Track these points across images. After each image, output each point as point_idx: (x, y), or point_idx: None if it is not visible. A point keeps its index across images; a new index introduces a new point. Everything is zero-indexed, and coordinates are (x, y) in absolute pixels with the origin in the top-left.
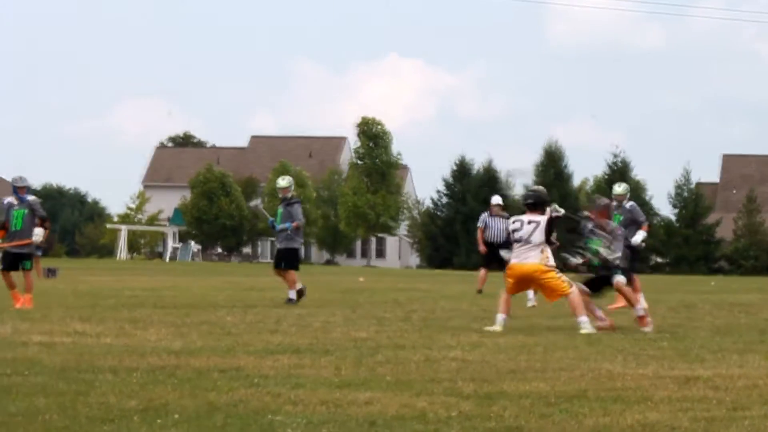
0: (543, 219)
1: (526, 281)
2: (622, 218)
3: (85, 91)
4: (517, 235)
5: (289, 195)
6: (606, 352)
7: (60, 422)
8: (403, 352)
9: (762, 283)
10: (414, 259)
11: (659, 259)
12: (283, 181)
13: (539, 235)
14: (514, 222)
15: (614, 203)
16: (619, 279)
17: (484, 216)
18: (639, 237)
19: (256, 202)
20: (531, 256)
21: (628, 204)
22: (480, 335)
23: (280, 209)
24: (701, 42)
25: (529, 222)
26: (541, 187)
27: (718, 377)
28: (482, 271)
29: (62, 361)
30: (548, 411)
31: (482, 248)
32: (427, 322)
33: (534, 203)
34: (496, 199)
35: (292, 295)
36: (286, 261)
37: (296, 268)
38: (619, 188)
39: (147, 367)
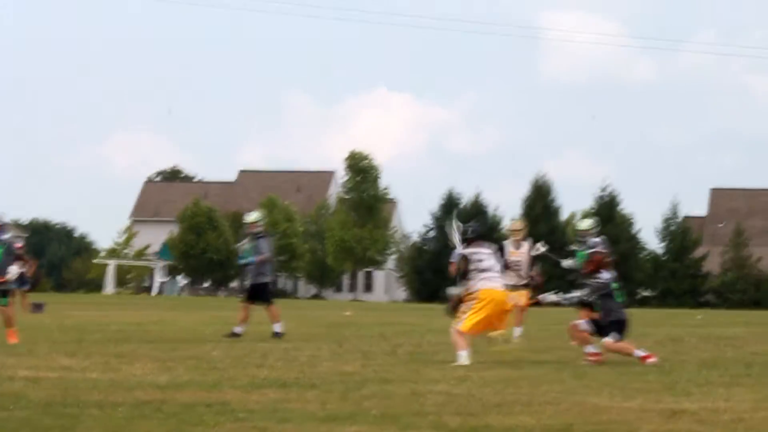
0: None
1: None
2: (585, 255)
3: (73, 126)
4: (483, 266)
5: (256, 230)
6: (592, 386)
7: None
8: (390, 386)
9: (749, 316)
10: (401, 293)
11: (646, 293)
12: (250, 217)
13: (497, 262)
14: (477, 254)
15: (578, 239)
16: (607, 341)
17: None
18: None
19: (243, 242)
20: (498, 281)
21: (592, 240)
22: (466, 369)
23: (248, 245)
24: (691, 76)
25: (489, 253)
26: (479, 223)
27: (704, 411)
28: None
29: (48, 395)
30: None
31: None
32: (414, 355)
33: (476, 237)
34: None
35: (278, 328)
36: (258, 296)
37: (270, 302)
38: (582, 224)
39: (133, 402)
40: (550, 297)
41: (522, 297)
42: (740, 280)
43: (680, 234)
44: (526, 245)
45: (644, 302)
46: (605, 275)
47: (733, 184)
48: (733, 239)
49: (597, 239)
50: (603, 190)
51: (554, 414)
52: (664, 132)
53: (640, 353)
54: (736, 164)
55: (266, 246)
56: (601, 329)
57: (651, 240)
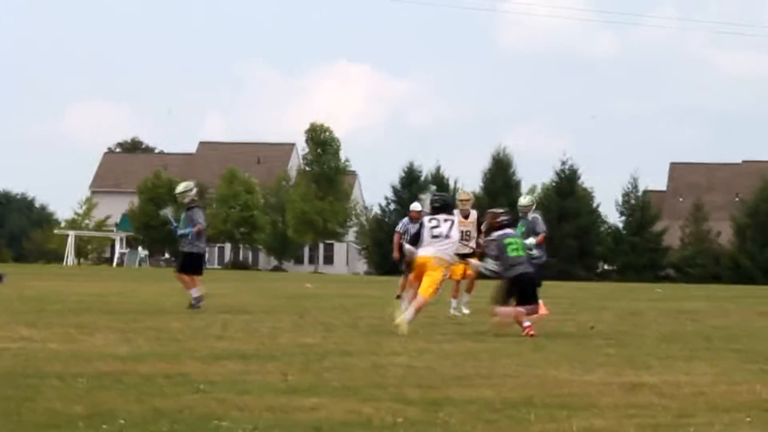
0: (454, 218)
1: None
2: (524, 229)
3: (33, 96)
4: (436, 232)
5: (187, 200)
6: (552, 359)
7: (5, 428)
8: (350, 358)
9: (708, 290)
10: (362, 266)
11: (606, 267)
12: (179, 187)
13: (456, 232)
14: (431, 220)
15: (520, 214)
16: (500, 309)
17: (405, 221)
18: (528, 241)
19: (165, 210)
20: (446, 250)
21: (531, 215)
22: (426, 341)
23: (183, 215)
24: (651, 50)
25: (446, 220)
26: (445, 194)
27: (664, 384)
28: (404, 278)
29: (7, 366)
30: (494, 417)
31: (397, 254)
32: (374, 328)
33: (440, 207)
34: (416, 206)
35: (195, 293)
36: (191, 266)
37: (200, 273)
38: (524, 200)
39: (93, 373)
40: (474, 262)
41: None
42: (700, 254)
43: (640, 208)
44: (474, 214)
45: (604, 276)
46: (497, 233)
47: (693, 158)
48: (693, 213)
49: (536, 215)
50: (563, 163)
51: (514, 387)
52: (625, 106)
53: (527, 324)
54: (697, 138)
55: (200, 216)
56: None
57: (611, 214)
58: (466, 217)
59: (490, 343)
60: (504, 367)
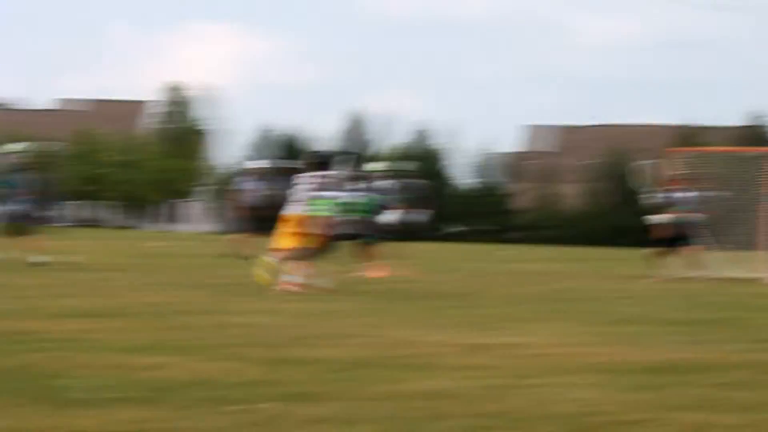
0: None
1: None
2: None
3: None
4: (308, 189)
5: (20, 161)
6: (394, 320)
7: None
8: (195, 317)
9: (555, 253)
10: (213, 224)
11: (457, 228)
12: (13, 147)
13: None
14: (305, 178)
15: None
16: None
17: (243, 179)
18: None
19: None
20: (319, 209)
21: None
22: (270, 302)
23: (14, 175)
24: (508, 12)
25: (312, 177)
26: (325, 150)
27: (505, 346)
28: (242, 236)
29: None
30: (334, 377)
31: (240, 212)
32: (221, 288)
33: (318, 163)
34: (255, 163)
35: (35, 259)
36: (23, 227)
37: (36, 233)
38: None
39: None
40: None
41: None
42: (550, 216)
43: (492, 170)
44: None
45: (454, 238)
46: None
47: (546, 120)
48: (544, 176)
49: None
50: (419, 125)
51: (356, 347)
52: (482, 68)
53: (297, 280)
54: (550, 101)
55: (30, 178)
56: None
57: (464, 175)
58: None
59: (333, 303)
60: (346, 327)
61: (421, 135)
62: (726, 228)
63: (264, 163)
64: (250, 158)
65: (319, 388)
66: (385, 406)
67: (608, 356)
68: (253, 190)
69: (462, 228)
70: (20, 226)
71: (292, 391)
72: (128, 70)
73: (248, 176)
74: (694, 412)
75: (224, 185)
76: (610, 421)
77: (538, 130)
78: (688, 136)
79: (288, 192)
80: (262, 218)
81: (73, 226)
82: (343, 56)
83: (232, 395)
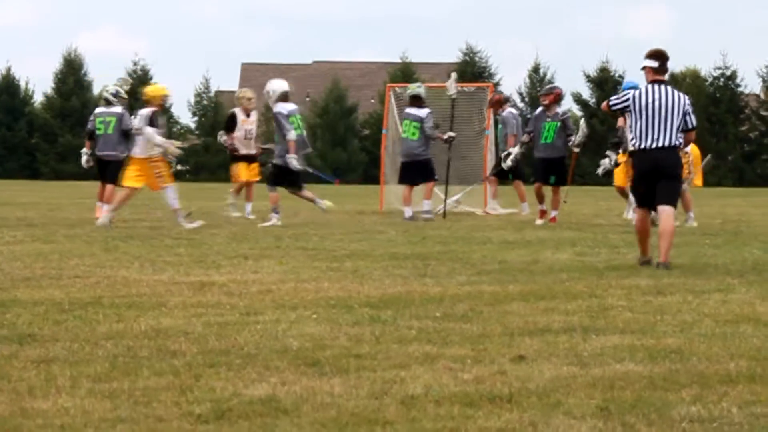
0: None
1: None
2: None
3: None
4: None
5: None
6: (123, 259)
7: None
8: None
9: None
10: None
11: (180, 167)
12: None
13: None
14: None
15: None
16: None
17: None
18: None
19: None
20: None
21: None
22: None
23: None
24: None
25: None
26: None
27: (232, 283)
28: None
29: None
30: (62, 318)
31: None
32: None
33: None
34: None
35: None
36: None
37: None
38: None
39: None
40: None
41: (252, 170)
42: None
43: (212, 108)
44: (255, 114)
45: (179, 176)
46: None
47: (264, 59)
48: (265, 114)
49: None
50: (135, 64)
51: (83, 287)
52: (198, 7)
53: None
54: (267, 40)
55: None
56: None
57: (184, 114)
58: (248, 115)
59: (60, 244)
60: (73, 267)
61: (138, 73)
62: (452, 162)
63: None
64: None
65: (47, 330)
66: (114, 346)
67: (337, 291)
68: None
69: (184, 167)
70: None
71: (19, 332)
72: None
73: None
74: (423, 344)
75: None
76: (340, 354)
77: (255, 68)
78: (407, 73)
79: None
80: None
81: None
82: None
83: None
